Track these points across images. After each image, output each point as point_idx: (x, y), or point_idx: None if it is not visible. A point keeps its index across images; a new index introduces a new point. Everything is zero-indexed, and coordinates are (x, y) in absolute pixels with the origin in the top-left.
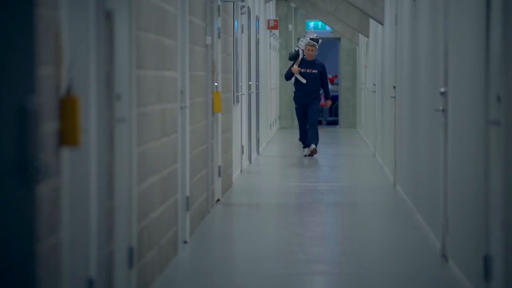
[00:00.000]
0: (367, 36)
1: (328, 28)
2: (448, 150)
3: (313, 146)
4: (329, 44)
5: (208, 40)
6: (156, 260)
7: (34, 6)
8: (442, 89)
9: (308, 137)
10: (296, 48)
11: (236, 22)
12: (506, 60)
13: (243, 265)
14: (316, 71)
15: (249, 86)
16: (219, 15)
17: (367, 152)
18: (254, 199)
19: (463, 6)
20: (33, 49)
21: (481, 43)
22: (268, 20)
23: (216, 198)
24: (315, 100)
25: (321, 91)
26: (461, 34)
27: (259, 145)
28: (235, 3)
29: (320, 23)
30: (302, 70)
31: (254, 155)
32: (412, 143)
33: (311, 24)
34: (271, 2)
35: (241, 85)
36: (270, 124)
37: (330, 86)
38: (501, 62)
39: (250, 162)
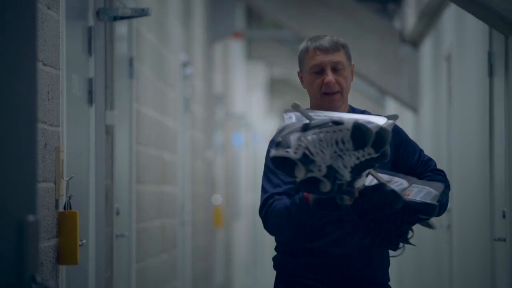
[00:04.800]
0: None
1: None
2: (454, 266)
3: None
4: None
5: (209, 154)
6: None
7: (35, 122)
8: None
9: None
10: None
11: (237, 136)
12: (510, 178)
13: None
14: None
15: (250, 200)
16: (220, 129)
17: None
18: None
19: (466, 120)
20: (33, 164)
21: (485, 158)
22: (268, 134)
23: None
24: None
25: None
26: (464, 148)
27: (264, 263)
28: (236, 117)
29: None
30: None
31: (259, 273)
32: (417, 261)
33: None
34: (270, 117)
35: (242, 199)
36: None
37: None
38: (505, 178)
39: (254, 281)
